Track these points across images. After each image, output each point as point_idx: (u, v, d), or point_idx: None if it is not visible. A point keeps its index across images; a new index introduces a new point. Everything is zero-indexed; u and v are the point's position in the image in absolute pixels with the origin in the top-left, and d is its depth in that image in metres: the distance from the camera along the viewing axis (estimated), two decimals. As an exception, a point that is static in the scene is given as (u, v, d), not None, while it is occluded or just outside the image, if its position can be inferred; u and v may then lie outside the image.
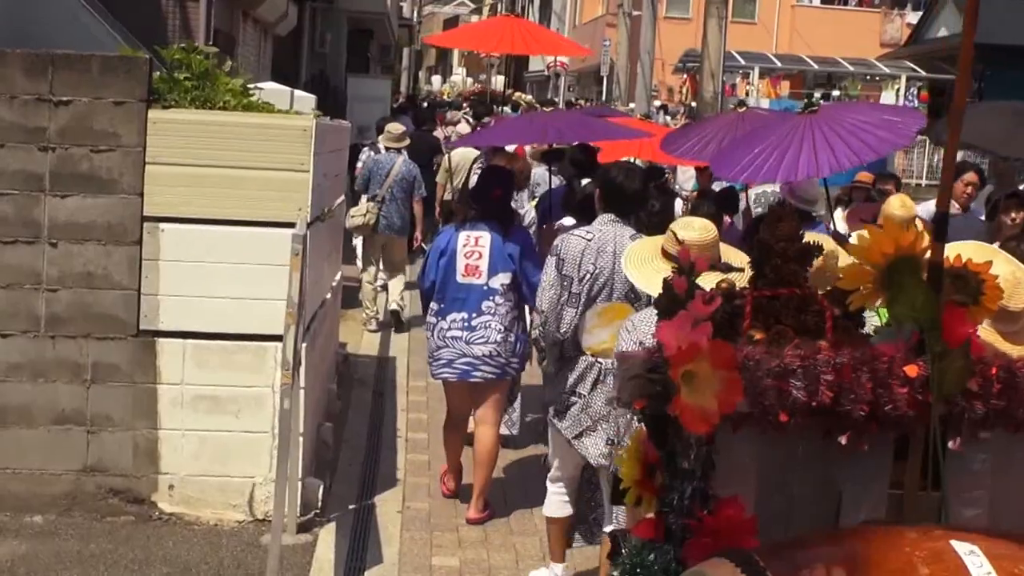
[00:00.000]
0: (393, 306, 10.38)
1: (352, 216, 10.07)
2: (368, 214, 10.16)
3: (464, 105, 23.26)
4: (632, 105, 24.78)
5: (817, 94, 18.45)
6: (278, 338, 5.11)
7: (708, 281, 4.54)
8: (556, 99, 30.79)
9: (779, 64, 30.10)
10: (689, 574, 2.14)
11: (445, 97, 35.42)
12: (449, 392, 6.20)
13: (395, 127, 10.96)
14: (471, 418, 6.27)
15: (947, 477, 2.42)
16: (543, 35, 13.86)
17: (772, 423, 2.21)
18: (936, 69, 26.40)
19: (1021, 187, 7.58)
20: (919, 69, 27.56)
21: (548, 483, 5.22)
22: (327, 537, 5.47)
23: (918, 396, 2.27)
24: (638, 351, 2.32)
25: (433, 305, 5.97)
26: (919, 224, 5.63)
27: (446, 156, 11.34)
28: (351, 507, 5.97)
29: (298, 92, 8.62)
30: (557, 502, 5.18)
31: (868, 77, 30.08)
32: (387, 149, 10.73)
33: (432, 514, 6.05)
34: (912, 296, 2.32)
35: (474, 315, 5.84)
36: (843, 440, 2.28)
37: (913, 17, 33.14)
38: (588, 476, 5.19)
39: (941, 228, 2.47)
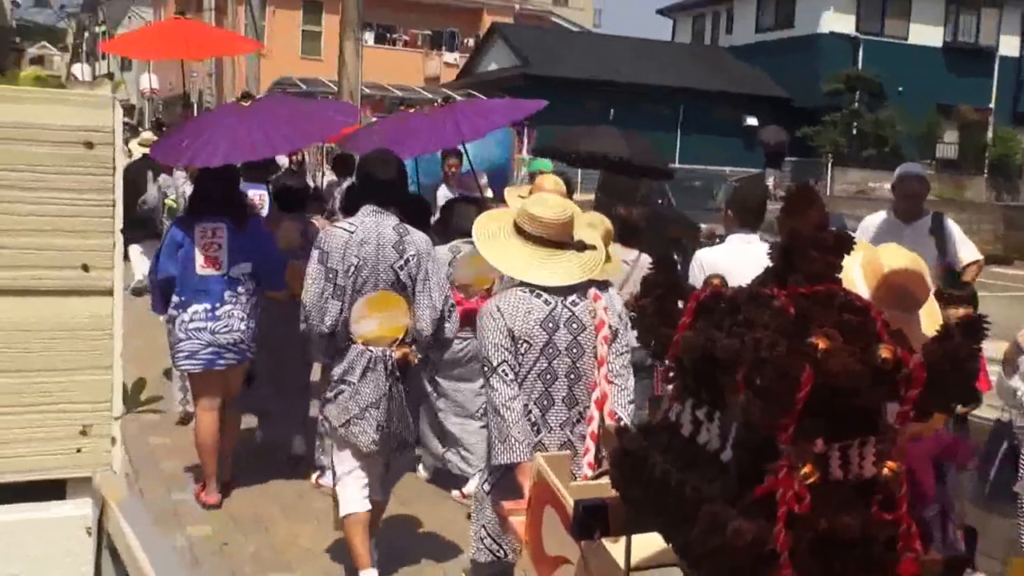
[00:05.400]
0: None
1: None
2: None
3: None
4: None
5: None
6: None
7: (575, 264, 3.95)
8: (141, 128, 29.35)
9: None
10: None
11: None
12: (196, 383, 6.25)
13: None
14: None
15: None
16: (215, 34, 12.86)
17: None
18: (490, 95, 28.04)
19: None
20: (477, 94, 28.76)
21: (340, 484, 5.02)
22: None
23: None
24: None
25: (174, 298, 6.02)
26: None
27: None
28: None
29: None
30: (355, 495, 4.99)
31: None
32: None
33: None
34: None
35: (218, 305, 5.98)
36: None
37: (448, 56, 42.14)
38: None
39: None
